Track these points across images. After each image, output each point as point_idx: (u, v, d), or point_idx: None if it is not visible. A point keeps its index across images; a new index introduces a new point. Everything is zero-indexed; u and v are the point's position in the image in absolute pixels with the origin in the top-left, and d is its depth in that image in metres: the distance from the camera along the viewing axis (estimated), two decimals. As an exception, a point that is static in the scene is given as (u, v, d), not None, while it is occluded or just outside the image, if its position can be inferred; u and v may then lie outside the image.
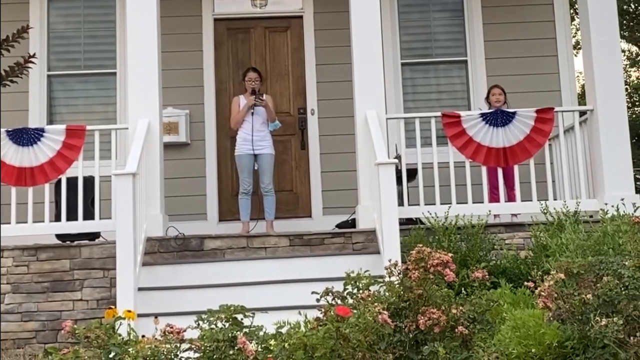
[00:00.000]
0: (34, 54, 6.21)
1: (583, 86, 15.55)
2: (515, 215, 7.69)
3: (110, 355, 3.33)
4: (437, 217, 6.71)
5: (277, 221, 8.06)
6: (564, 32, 9.42)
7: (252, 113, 8.02)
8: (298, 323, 4.31)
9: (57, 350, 3.44)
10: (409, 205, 7.28)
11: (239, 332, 3.40)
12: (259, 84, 8.18)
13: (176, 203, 8.27)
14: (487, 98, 8.34)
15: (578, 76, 14.73)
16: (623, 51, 23.47)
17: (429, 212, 6.85)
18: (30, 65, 6.00)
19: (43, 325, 6.63)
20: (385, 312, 3.60)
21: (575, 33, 18.02)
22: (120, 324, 3.65)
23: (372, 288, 4.36)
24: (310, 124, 9.19)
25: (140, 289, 6.22)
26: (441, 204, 7.09)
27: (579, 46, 16.01)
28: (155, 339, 3.62)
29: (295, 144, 9.18)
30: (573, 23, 15.71)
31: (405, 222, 6.98)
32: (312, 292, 4.33)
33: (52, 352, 3.39)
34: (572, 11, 13.83)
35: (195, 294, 6.25)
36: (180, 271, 6.64)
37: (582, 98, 12.51)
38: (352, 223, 7.76)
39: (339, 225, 7.95)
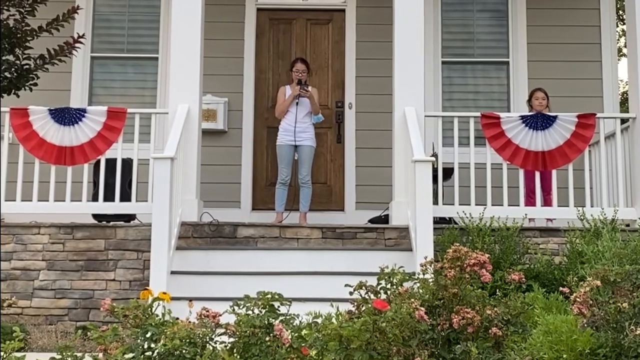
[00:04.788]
0: (83, 35, 6.31)
1: (623, 94, 15.39)
2: (551, 220, 7.62)
3: (147, 335, 3.38)
4: (472, 217, 6.68)
5: (309, 213, 8.07)
6: (609, 38, 9.29)
7: (297, 104, 8.03)
8: (330, 314, 4.32)
9: (96, 327, 3.50)
10: (443, 204, 7.26)
11: (274, 320, 3.44)
12: (306, 75, 8.19)
13: (211, 189, 8.31)
14: (529, 101, 8.26)
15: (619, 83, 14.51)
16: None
17: (463, 212, 6.82)
18: (78, 45, 6.09)
19: (75, 303, 6.72)
20: (422, 308, 3.61)
21: (618, 39, 17.77)
22: (158, 305, 3.71)
23: (405, 284, 4.36)
24: (347, 117, 9.19)
25: (172, 273, 6.28)
26: (476, 204, 7.06)
27: (620, 52, 15.79)
28: (189, 322, 3.66)
29: (332, 137, 9.18)
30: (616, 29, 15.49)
31: (438, 221, 6.94)
32: (346, 285, 4.33)
33: (91, 329, 3.46)
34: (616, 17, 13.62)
35: (227, 281, 6.30)
36: (212, 257, 6.70)
37: (622, 105, 12.33)
38: (385, 219, 7.75)
39: (371, 221, 7.95)
